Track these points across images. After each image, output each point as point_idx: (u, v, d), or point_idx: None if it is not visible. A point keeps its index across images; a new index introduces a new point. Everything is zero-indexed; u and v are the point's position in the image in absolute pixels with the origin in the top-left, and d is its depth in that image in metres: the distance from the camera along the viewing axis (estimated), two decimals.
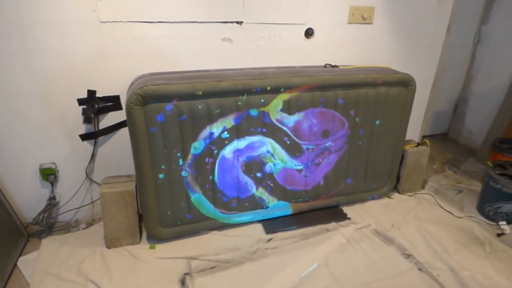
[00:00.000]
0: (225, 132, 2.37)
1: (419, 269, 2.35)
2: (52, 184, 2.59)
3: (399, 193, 3.27)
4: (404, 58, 3.29)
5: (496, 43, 3.97)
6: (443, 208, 3.05)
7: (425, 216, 2.93)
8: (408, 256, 2.47)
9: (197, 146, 2.33)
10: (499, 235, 2.73)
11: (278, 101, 2.42)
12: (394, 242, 2.60)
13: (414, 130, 3.70)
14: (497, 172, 2.86)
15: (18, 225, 2.53)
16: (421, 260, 2.43)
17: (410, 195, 3.25)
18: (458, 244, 2.60)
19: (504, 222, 2.81)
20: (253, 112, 2.39)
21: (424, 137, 3.83)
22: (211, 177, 2.46)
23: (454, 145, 4.47)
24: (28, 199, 2.60)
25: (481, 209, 2.99)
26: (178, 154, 2.31)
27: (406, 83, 2.74)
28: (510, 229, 2.75)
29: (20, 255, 2.41)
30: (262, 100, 2.38)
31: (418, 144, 3.23)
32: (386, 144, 2.90)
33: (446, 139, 4.66)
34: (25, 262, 2.36)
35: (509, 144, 3.36)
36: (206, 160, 2.40)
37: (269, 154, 2.55)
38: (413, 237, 2.65)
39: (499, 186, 2.78)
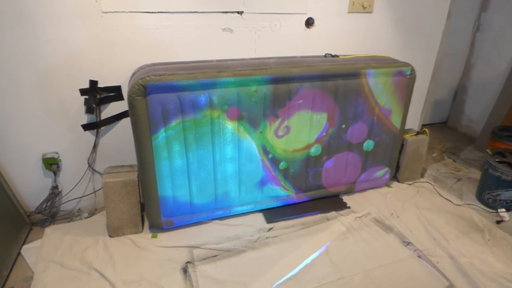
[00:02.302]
0: (228, 121, 2.38)
1: (419, 257, 2.38)
2: (54, 173, 2.61)
3: (398, 181, 3.30)
4: (404, 46, 3.29)
5: (495, 31, 3.96)
6: (442, 196, 3.07)
7: (424, 204, 2.96)
8: (408, 243, 2.50)
9: (200, 135, 2.34)
10: (498, 222, 2.76)
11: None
12: (393, 230, 2.63)
13: (414, 118, 3.71)
14: (496, 160, 2.88)
15: (21, 213, 2.56)
16: (420, 247, 2.46)
17: (409, 184, 3.27)
18: (457, 231, 2.63)
19: (503, 210, 2.84)
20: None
21: (423, 125, 3.85)
22: (213, 167, 2.48)
23: (453, 134, 4.49)
24: (31, 188, 2.62)
25: (480, 197, 3.02)
26: (180, 144, 2.32)
27: (406, 72, 2.74)
28: (509, 216, 2.79)
29: (23, 243, 2.44)
30: (264, 90, 2.38)
31: (418, 133, 3.24)
32: (386, 133, 2.91)
33: (445, 128, 4.68)
34: (28, 250, 2.39)
35: (508, 131, 3.37)
36: (210, 149, 2.41)
37: (271, 144, 2.57)
38: (413, 225, 2.68)
39: (498, 173, 2.80)
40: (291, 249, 2.42)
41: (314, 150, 2.72)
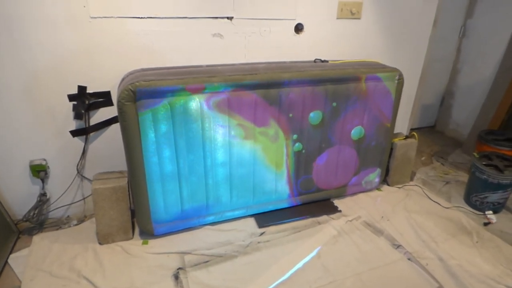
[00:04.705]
0: (218, 127, 2.38)
1: (409, 259, 2.40)
2: (42, 180, 2.58)
3: (388, 185, 3.33)
4: (392, 52, 3.33)
5: (480, 37, 4.03)
6: (431, 199, 3.11)
7: (414, 207, 2.99)
8: (398, 246, 2.52)
9: (190, 141, 2.34)
10: (485, 224, 2.79)
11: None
12: (384, 233, 2.65)
13: (402, 123, 3.76)
14: (483, 163, 2.92)
15: (8, 222, 2.51)
16: (410, 250, 2.48)
17: (399, 187, 3.30)
18: (446, 234, 2.66)
19: (491, 212, 2.88)
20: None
21: (412, 130, 3.89)
22: (204, 172, 2.47)
23: (441, 137, 4.55)
24: (18, 195, 2.58)
25: (468, 199, 3.06)
26: (170, 150, 2.31)
27: (394, 77, 2.77)
28: (496, 219, 2.82)
29: (11, 252, 2.39)
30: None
31: (407, 137, 3.28)
32: (375, 137, 2.94)
33: (433, 132, 4.74)
34: (16, 259, 2.34)
35: (494, 135, 3.44)
36: (200, 155, 2.41)
37: (262, 148, 2.57)
38: (402, 228, 2.71)
39: (485, 176, 2.84)
40: (283, 253, 2.42)
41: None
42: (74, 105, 2.45)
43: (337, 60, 2.90)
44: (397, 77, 2.78)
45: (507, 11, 3.67)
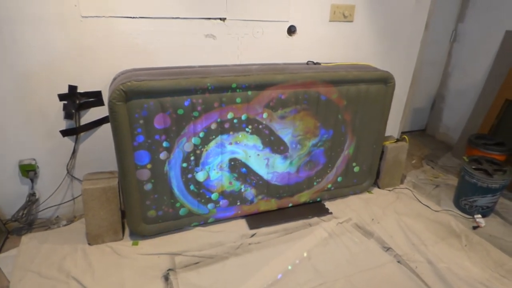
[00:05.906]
0: (210, 128, 2.38)
1: (398, 262, 2.41)
2: (32, 180, 2.55)
3: (379, 188, 3.35)
4: (384, 55, 3.35)
5: (471, 41, 4.08)
6: (421, 202, 3.13)
7: (404, 210, 3.01)
8: (388, 249, 2.53)
9: (181, 141, 2.33)
10: (474, 228, 2.82)
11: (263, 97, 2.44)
12: (374, 235, 2.66)
13: (393, 126, 3.78)
14: (473, 167, 2.95)
15: None
16: (400, 252, 2.49)
17: (389, 190, 3.32)
18: (435, 237, 2.68)
19: (479, 216, 2.90)
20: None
21: (403, 133, 3.92)
22: (195, 173, 2.47)
23: (432, 141, 4.59)
24: (7, 195, 2.55)
25: (457, 203, 3.09)
26: (162, 150, 2.30)
27: (385, 80, 2.79)
28: (485, 222, 2.85)
29: None
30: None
31: (397, 140, 3.30)
32: (366, 140, 2.96)
33: (424, 135, 4.78)
34: (4, 259, 2.32)
35: (484, 139, 3.47)
36: (191, 155, 2.40)
37: (254, 150, 2.57)
38: (392, 231, 2.72)
39: (475, 180, 2.87)
40: (274, 255, 2.42)
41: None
42: (64, 104, 2.43)
43: (329, 63, 2.91)
44: (388, 81, 2.79)
45: (498, 16, 3.72)
